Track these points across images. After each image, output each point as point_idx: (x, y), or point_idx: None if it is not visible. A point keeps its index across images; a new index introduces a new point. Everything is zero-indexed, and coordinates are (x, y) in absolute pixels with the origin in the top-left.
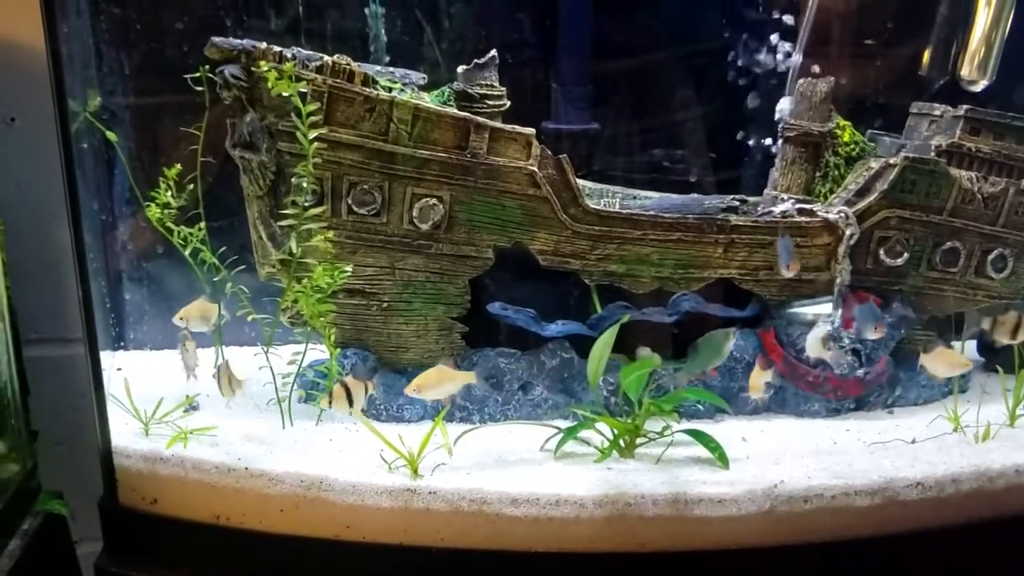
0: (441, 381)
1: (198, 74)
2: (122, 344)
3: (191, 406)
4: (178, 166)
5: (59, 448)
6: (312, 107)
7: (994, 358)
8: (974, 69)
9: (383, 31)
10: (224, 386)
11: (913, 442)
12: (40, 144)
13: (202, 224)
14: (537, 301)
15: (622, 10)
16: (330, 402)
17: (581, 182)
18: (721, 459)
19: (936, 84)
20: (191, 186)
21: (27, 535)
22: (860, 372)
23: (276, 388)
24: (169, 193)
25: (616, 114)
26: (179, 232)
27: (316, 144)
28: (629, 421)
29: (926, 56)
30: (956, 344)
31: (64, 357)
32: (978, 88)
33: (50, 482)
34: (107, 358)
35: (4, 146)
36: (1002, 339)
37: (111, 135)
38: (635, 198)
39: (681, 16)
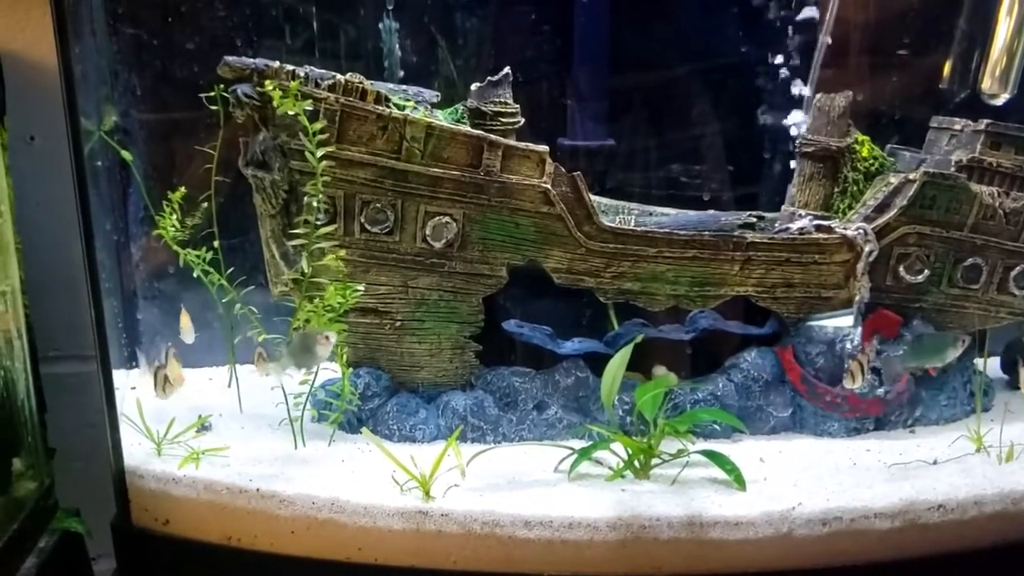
0: None
1: (213, 93)
2: (135, 363)
3: (204, 426)
4: (183, 189)
5: (76, 465)
6: (319, 125)
7: (1018, 376)
8: (995, 82)
9: (397, 47)
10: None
11: (935, 463)
12: (58, 163)
13: (216, 243)
14: (554, 318)
15: (637, 26)
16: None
17: (597, 199)
18: (738, 481)
19: (957, 97)
20: (205, 205)
21: (43, 553)
22: (880, 391)
23: (288, 408)
24: (174, 216)
25: (632, 130)
26: (187, 254)
27: (328, 162)
28: (644, 441)
29: (947, 69)
30: (979, 361)
31: (82, 374)
32: (999, 102)
33: (67, 500)
34: (122, 377)
35: (23, 165)
36: None
37: (126, 154)
38: (651, 215)
39: (696, 32)
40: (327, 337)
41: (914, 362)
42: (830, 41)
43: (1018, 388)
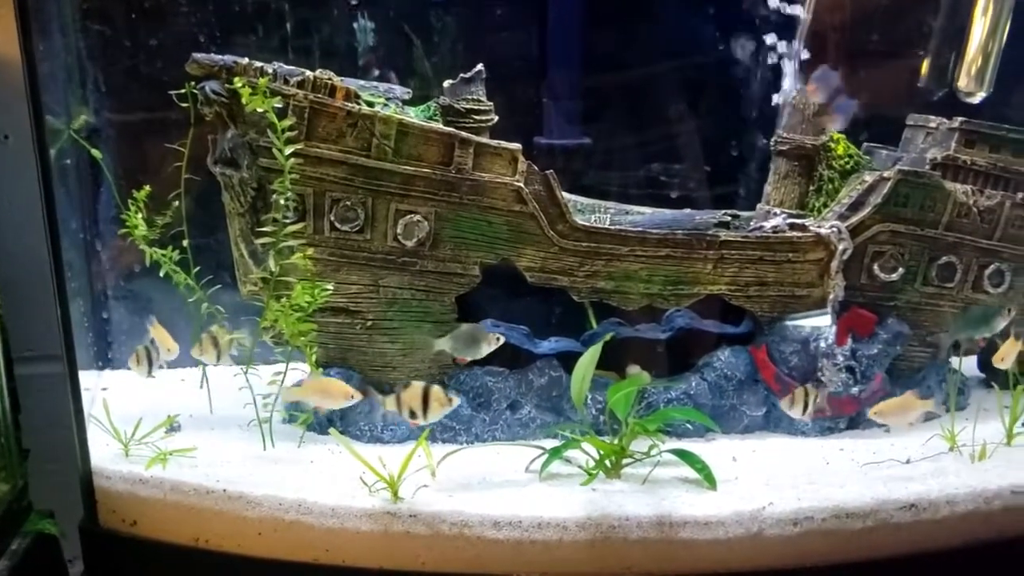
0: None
1: (183, 91)
2: (106, 364)
3: (173, 427)
4: (147, 188)
5: (50, 467)
6: (287, 123)
7: (994, 375)
8: (971, 80)
9: (372, 45)
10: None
11: (908, 462)
12: (32, 162)
13: (184, 242)
14: (532, 318)
15: (612, 25)
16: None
17: (573, 197)
18: (708, 479)
19: (934, 96)
20: (176, 204)
21: (16, 555)
22: (855, 390)
23: (257, 409)
24: (140, 215)
25: (607, 129)
26: (153, 253)
27: (298, 160)
28: (615, 441)
29: (924, 68)
30: (954, 360)
31: (56, 375)
32: (976, 100)
33: (41, 501)
34: (93, 377)
35: None
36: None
37: (96, 153)
38: (627, 213)
39: (671, 31)
40: (498, 339)
41: (964, 332)
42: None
43: (991, 387)
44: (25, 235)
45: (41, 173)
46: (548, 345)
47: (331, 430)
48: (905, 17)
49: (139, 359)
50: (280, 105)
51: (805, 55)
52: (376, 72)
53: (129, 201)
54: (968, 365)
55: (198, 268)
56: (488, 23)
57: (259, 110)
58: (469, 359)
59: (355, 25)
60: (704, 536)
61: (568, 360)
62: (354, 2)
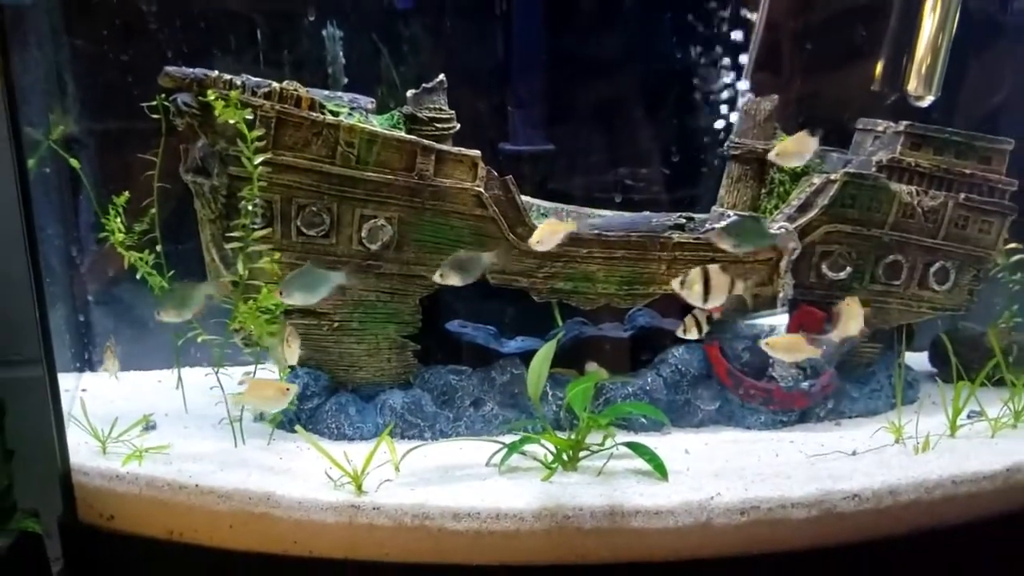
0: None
1: (155, 103)
2: (83, 365)
3: (148, 425)
4: (127, 194)
5: (35, 468)
6: (257, 133)
7: (945, 369)
8: (920, 83)
9: (340, 54)
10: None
11: (854, 454)
12: (8, 171)
13: (158, 247)
14: (499, 317)
15: (574, 35)
16: None
17: (536, 201)
18: (659, 470)
19: (887, 100)
20: (152, 210)
21: (1, 552)
22: (805, 385)
23: (227, 408)
24: (119, 220)
25: (570, 135)
26: (130, 257)
27: (266, 168)
28: (571, 436)
29: (877, 72)
30: (910, 355)
31: (38, 378)
32: (925, 103)
33: (26, 501)
34: (73, 379)
35: None
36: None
37: (74, 162)
38: (588, 216)
39: (632, 38)
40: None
41: (735, 242)
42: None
43: (947, 381)
44: (7, 241)
45: (19, 180)
46: (514, 344)
47: (298, 427)
48: (856, 23)
49: (109, 358)
50: (250, 116)
51: (756, 62)
52: (344, 81)
53: (109, 207)
54: (920, 360)
55: (172, 272)
56: (453, 33)
57: (230, 121)
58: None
59: (324, 33)
60: (654, 525)
61: (529, 358)
62: (311, 17)
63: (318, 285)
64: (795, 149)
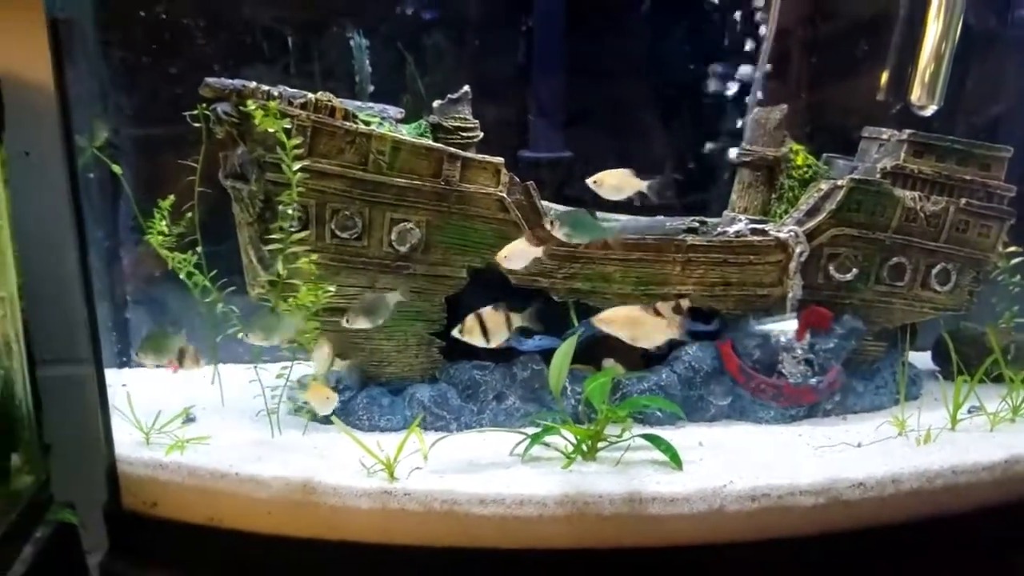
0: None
1: (196, 111)
2: (127, 360)
3: (188, 417)
4: (172, 197)
5: (69, 462)
6: (296, 141)
7: (946, 367)
8: (924, 92)
9: (367, 64)
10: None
11: (859, 446)
12: (51, 176)
13: (198, 249)
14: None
15: (593, 47)
16: None
17: (554, 205)
18: (674, 460)
19: (893, 109)
20: (189, 214)
21: (40, 542)
22: (813, 381)
23: (265, 400)
24: (164, 222)
25: (588, 142)
26: (174, 258)
27: (301, 174)
28: (591, 427)
29: (883, 81)
30: (913, 354)
31: (75, 376)
32: (927, 112)
33: (62, 494)
34: (114, 375)
35: (19, 178)
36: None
37: (116, 168)
38: (605, 220)
39: (649, 50)
40: None
41: (567, 232)
42: (768, 68)
43: (949, 378)
44: (43, 246)
45: (71, 188)
46: (532, 343)
47: (334, 418)
48: (864, 32)
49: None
50: (288, 125)
51: (768, 71)
52: (371, 90)
53: (154, 210)
54: (922, 358)
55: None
56: (475, 43)
57: (270, 130)
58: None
59: (351, 44)
60: (670, 511)
61: (548, 356)
62: (338, 29)
63: (379, 308)
64: (613, 182)
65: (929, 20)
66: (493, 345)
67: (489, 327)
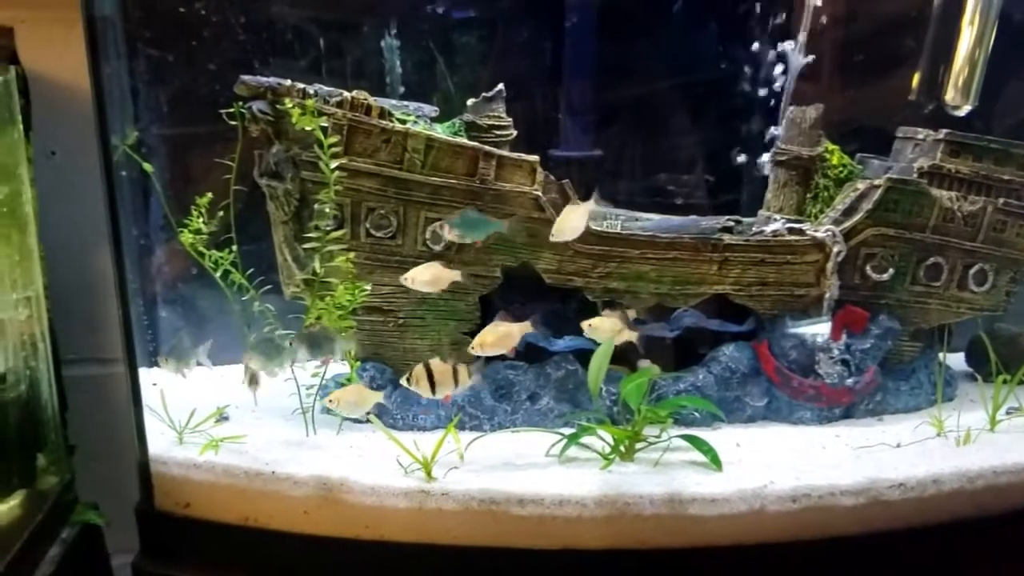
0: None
1: (232, 109)
2: (155, 361)
3: (222, 416)
4: (209, 195)
5: (94, 463)
6: (333, 139)
7: (979, 368)
8: (958, 93)
9: (398, 64)
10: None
11: (898, 446)
12: (78, 175)
13: (233, 247)
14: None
15: (623, 46)
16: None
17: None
18: (714, 461)
19: (926, 109)
20: (221, 213)
21: (66, 543)
22: (849, 382)
23: (300, 399)
24: (201, 220)
25: (618, 141)
26: (210, 256)
27: (336, 173)
28: (629, 428)
29: (915, 81)
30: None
31: (100, 376)
32: (962, 112)
33: (86, 495)
34: (144, 374)
35: (46, 178)
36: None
37: (147, 166)
38: (636, 220)
39: (678, 49)
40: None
41: (460, 233)
42: (804, 59)
43: (984, 379)
44: (70, 246)
45: (106, 186)
46: (563, 343)
47: (371, 417)
48: (898, 32)
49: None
50: (325, 124)
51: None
52: (401, 90)
53: (192, 208)
54: (955, 359)
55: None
56: (506, 42)
57: (306, 128)
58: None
59: (381, 44)
60: (711, 512)
61: (579, 356)
62: (369, 28)
63: (322, 340)
64: (570, 223)
65: (963, 26)
66: (439, 397)
67: (437, 378)
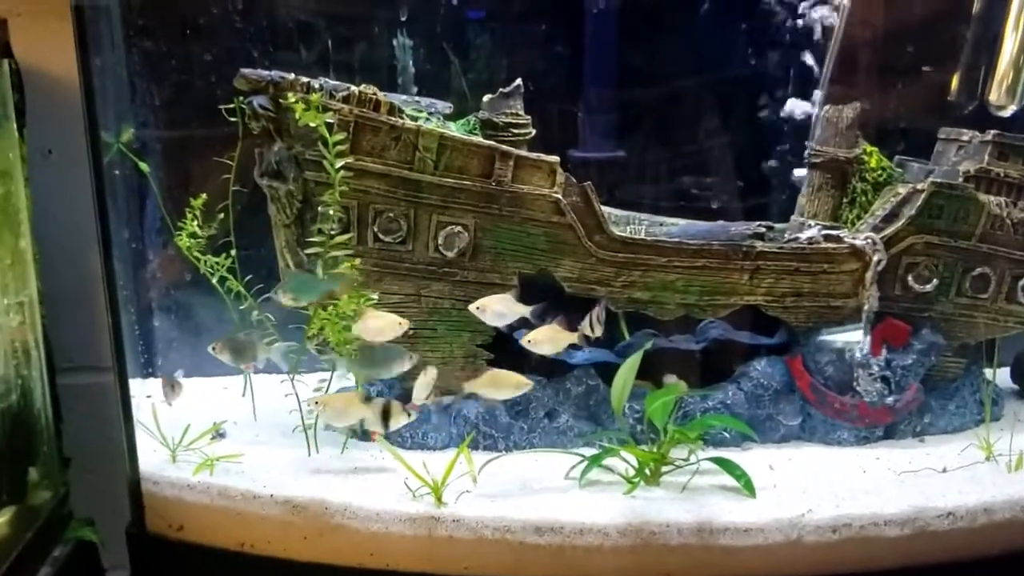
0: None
1: (232, 105)
2: (151, 371)
3: (218, 433)
4: (204, 196)
5: (90, 476)
6: (339, 137)
7: None
8: (1003, 94)
9: (411, 62)
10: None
11: (944, 471)
12: (74, 176)
13: (232, 252)
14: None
15: (646, 42)
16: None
17: (607, 209)
18: (747, 487)
19: (965, 110)
20: (221, 215)
21: (58, 562)
22: (890, 400)
23: (302, 415)
24: (196, 223)
25: (641, 142)
26: (206, 261)
27: (342, 173)
28: (654, 449)
29: (954, 82)
30: (988, 372)
31: (97, 385)
32: (1006, 113)
33: (81, 509)
34: (138, 385)
35: (41, 178)
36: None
37: (143, 166)
38: (661, 225)
39: (703, 47)
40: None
41: (293, 297)
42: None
43: None
44: (66, 249)
45: (95, 187)
46: (582, 355)
47: (378, 437)
48: (935, 31)
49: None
50: (330, 120)
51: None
52: (415, 90)
53: (186, 211)
54: (1000, 376)
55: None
56: (524, 41)
57: (311, 124)
58: None
59: (394, 42)
60: (744, 543)
61: (600, 370)
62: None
63: (246, 348)
64: (547, 338)
65: (1007, 30)
66: (392, 430)
67: (392, 415)
